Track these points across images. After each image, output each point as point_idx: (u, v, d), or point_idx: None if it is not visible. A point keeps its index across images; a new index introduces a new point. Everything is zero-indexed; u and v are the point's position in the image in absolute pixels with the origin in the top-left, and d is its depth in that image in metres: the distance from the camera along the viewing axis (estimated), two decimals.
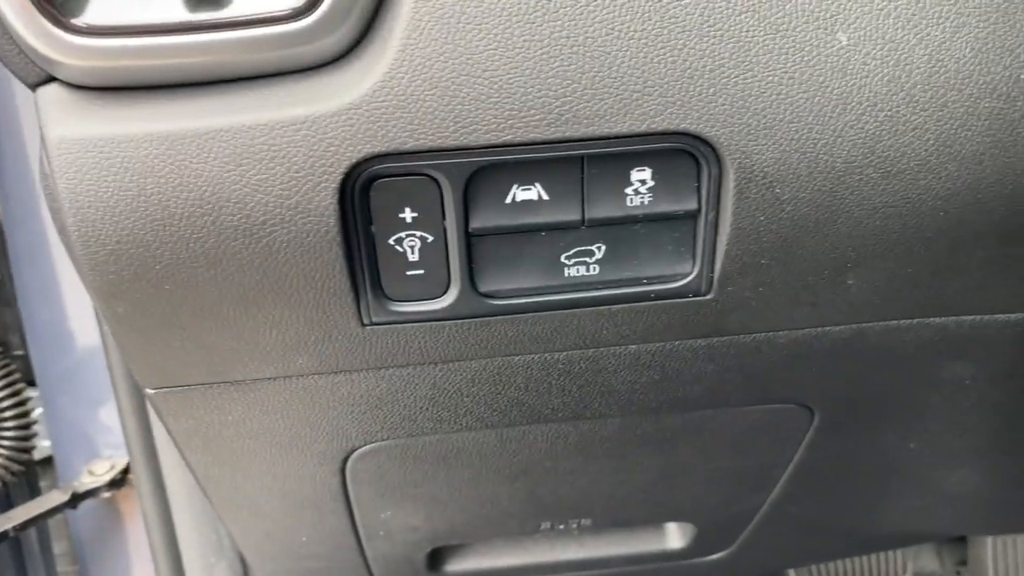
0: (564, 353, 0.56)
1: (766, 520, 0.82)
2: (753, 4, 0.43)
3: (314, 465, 0.64)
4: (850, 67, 0.44)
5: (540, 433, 0.64)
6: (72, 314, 1.05)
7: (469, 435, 0.63)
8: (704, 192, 0.48)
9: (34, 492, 1.27)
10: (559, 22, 0.42)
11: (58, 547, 1.32)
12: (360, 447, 0.63)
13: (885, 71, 0.45)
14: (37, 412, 1.20)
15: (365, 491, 0.68)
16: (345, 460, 0.64)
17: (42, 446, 1.26)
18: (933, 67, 0.45)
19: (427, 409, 0.59)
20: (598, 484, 0.71)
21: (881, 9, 0.44)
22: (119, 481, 1.08)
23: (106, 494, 1.08)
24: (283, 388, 0.56)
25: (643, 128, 0.45)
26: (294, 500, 0.68)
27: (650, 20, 0.43)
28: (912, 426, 0.68)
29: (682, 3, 0.43)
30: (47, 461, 1.24)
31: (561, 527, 0.79)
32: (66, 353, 1.08)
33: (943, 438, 0.70)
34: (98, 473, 1.07)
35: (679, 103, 0.44)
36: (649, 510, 0.78)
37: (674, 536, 0.86)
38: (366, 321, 0.51)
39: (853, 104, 0.45)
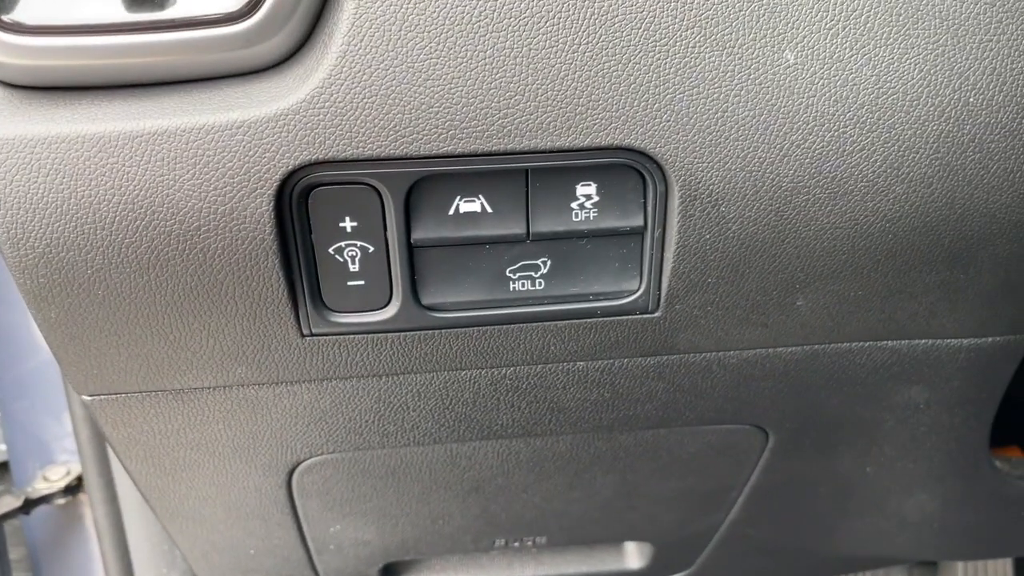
0: (511, 369, 0.55)
1: (725, 541, 0.81)
2: (699, 20, 0.43)
3: (259, 477, 0.63)
4: (797, 86, 0.44)
5: (491, 449, 0.63)
6: (30, 319, 1.04)
7: (418, 450, 0.62)
8: (650, 209, 0.47)
9: None
10: (503, 33, 0.42)
11: (15, 553, 1.29)
12: (306, 459, 0.61)
13: (832, 91, 0.44)
14: None
15: (313, 504, 0.66)
16: (291, 472, 0.63)
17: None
18: (880, 88, 0.44)
19: (373, 423, 0.58)
20: (552, 502, 0.70)
21: (829, 28, 0.43)
22: (75, 487, 1.06)
23: (60, 500, 1.06)
24: (223, 398, 0.54)
25: (587, 142, 0.44)
26: (240, 512, 0.67)
27: (595, 34, 0.42)
28: (868, 450, 0.68)
29: (627, 18, 0.42)
30: (4, 465, 1.22)
31: (516, 544, 0.77)
32: (23, 358, 1.07)
33: (900, 463, 0.69)
34: (53, 479, 1.05)
35: (624, 118, 0.44)
36: (605, 529, 0.77)
37: (633, 556, 0.85)
38: (306, 332, 0.50)
39: (799, 123, 0.44)
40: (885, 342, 0.56)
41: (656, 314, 0.51)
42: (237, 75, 0.43)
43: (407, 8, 0.41)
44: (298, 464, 0.62)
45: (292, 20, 0.41)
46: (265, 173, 0.43)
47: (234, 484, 0.63)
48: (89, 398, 0.54)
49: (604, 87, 0.43)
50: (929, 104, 0.45)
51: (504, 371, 0.55)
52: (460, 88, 0.42)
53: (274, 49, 0.42)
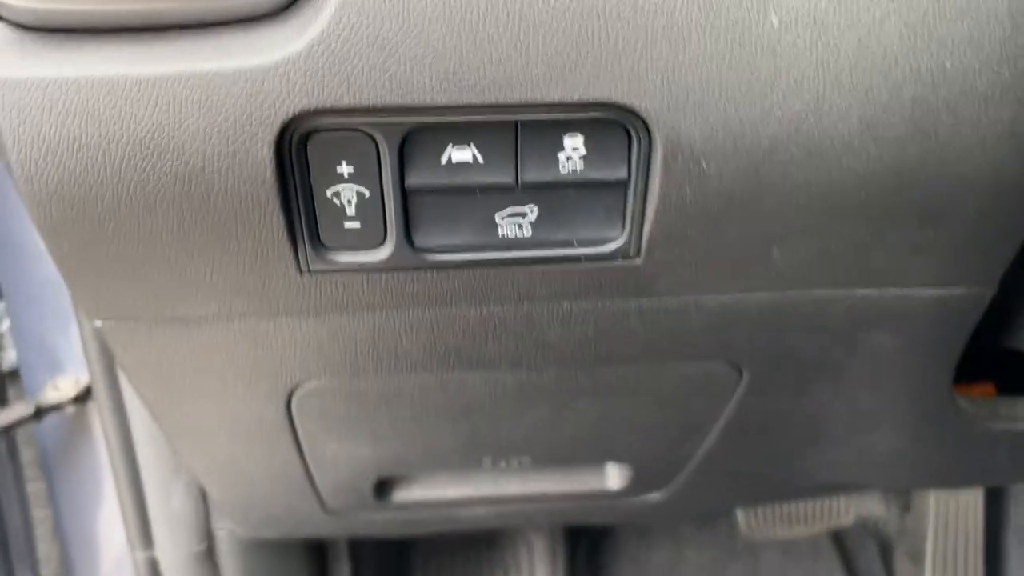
0: (499, 307, 0.58)
1: (701, 466, 0.85)
2: None
3: (260, 400, 0.66)
4: (780, 48, 0.45)
5: (479, 378, 0.66)
6: None
7: (410, 377, 0.65)
8: (634, 162, 0.49)
9: (3, 401, 1.30)
10: None
11: (27, 454, 1.35)
12: (304, 383, 0.65)
13: (814, 54, 0.46)
14: (4, 325, 1.22)
15: (311, 425, 0.70)
16: (290, 396, 0.66)
17: (11, 357, 1.29)
18: (861, 51, 0.46)
19: (367, 352, 0.61)
20: (537, 427, 0.74)
21: None
22: (84, 396, 1.11)
23: (70, 409, 1.10)
24: (226, 327, 0.58)
25: (575, 97, 0.46)
26: (243, 431, 0.71)
27: None
28: (838, 388, 0.71)
29: None
30: (15, 373, 1.26)
31: (503, 463, 0.82)
32: (32, 268, 1.09)
33: (868, 402, 0.73)
34: (62, 388, 1.09)
35: (611, 75, 0.45)
36: (587, 451, 0.82)
37: (612, 477, 0.90)
38: (304, 268, 0.52)
39: (781, 84, 0.46)
40: (857, 290, 0.59)
41: (637, 260, 0.54)
42: (238, 21, 0.44)
43: None
44: (296, 387, 0.65)
45: None
46: (266, 119, 0.45)
47: (237, 406, 0.67)
48: (100, 323, 0.57)
49: (593, 44, 0.44)
50: (907, 68, 0.46)
51: (492, 308, 0.58)
52: (453, 41, 0.44)
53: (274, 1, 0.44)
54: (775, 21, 0.45)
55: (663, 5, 0.44)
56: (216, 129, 0.45)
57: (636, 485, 0.90)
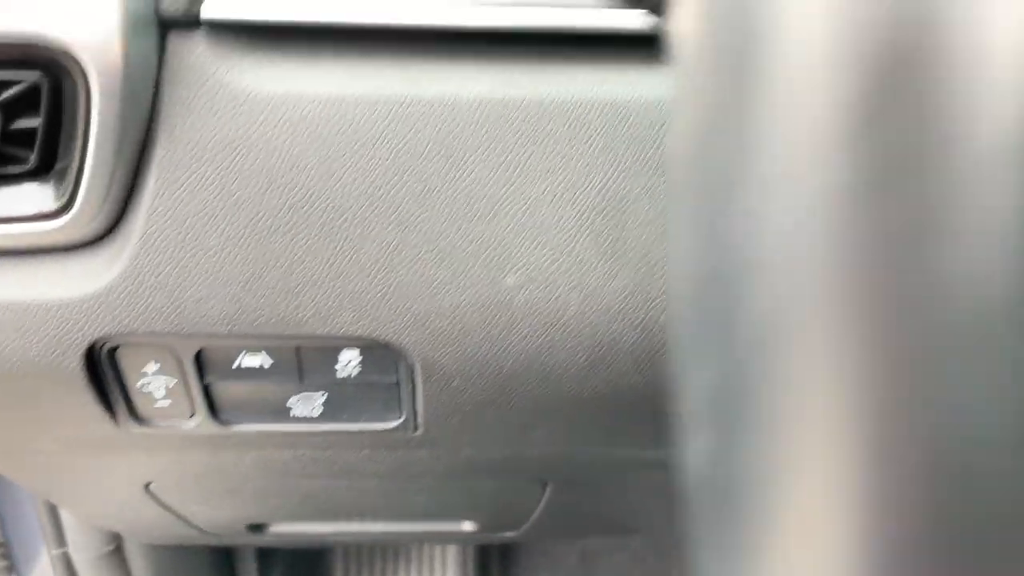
0: (307, 451, 0.67)
1: (540, 521, 0.97)
2: (437, 248, 0.51)
3: (121, 486, 0.76)
4: (515, 303, 0.53)
5: (311, 482, 0.76)
6: None
7: (247, 481, 0.75)
8: (402, 371, 0.58)
9: None
10: (267, 248, 0.51)
11: None
12: (155, 480, 0.75)
13: (544, 307, 0.54)
14: None
15: (172, 499, 0.81)
16: (147, 485, 0.76)
17: None
18: (586, 306, 0.54)
19: (201, 472, 0.71)
20: (380, 507, 0.85)
21: (545, 258, 0.52)
22: None
23: None
24: (75, 455, 0.67)
25: (341, 333, 0.54)
26: (112, 501, 0.81)
27: (346, 253, 0.51)
28: (632, 490, 0.81)
29: (374, 244, 0.51)
30: None
31: (359, 519, 0.93)
32: None
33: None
34: None
35: (371, 317, 0.53)
36: (433, 517, 0.92)
37: (467, 525, 1.01)
38: (125, 432, 0.61)
39: (517, 329, 0.54)
40: (617, 449, 0.68)
41: (417, 433, 0.63)
42: (56, 250, 0.52)
43: (186, 225, 0.50)
44: (151, 482, 0.75)
45: (95, 220, 0.50)
46: (75, 341, 0.53)
47: (101, 490, 0.77)
48: None
49: (354, 294, 0.52)
50: (626, 320, 0.54)
51: (301, 452, 0.67)
52: (232, 288, 0.52)
53: (85, 237, 0.51)
54: (511, 281, 0.53)
55: (416, 264, 0.52)
56: (33, 347, 0.53)
57: (489, 531, 1.01)
